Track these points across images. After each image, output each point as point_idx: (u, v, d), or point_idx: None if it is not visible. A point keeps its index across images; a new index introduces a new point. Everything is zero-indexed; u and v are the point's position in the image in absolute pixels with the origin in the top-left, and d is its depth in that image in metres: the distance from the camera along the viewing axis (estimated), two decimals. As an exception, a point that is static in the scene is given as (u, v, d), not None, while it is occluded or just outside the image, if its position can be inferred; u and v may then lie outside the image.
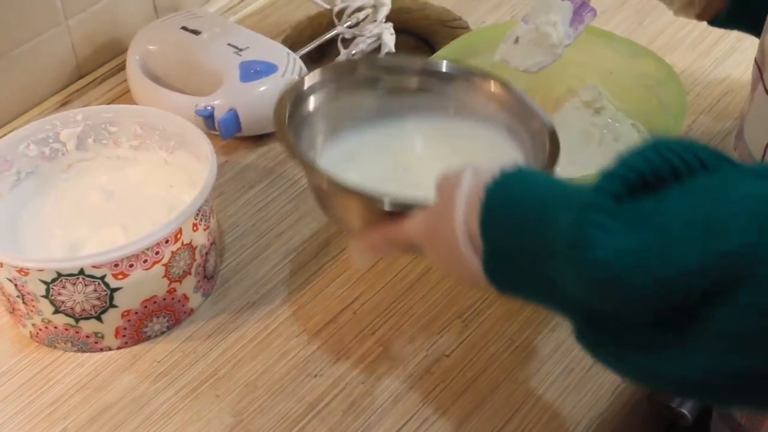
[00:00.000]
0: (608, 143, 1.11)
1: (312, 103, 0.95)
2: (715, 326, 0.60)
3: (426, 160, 0.95)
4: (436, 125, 0.98)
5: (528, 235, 0.68)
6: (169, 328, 1.00)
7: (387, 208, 0.82)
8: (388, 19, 1.30)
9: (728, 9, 1.01)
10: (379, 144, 0.96)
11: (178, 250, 0.96)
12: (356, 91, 0.97)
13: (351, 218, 0.88)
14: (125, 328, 0.98)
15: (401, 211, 0.81)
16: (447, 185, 0.76)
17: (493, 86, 0.97)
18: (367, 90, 0.97)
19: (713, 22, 1.03)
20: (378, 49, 1.28)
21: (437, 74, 0.98)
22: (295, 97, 0.92)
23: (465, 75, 0.98)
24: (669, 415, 1.05)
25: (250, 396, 0.94)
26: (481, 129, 0.97)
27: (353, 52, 1.28)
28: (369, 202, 0.83)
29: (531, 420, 0.90)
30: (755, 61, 0.91)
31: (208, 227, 1.00)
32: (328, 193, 0.88)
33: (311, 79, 0.94)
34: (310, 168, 0.87)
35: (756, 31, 0.95)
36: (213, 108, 1.16)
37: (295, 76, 1.18)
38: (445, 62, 0.99)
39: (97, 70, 1.33)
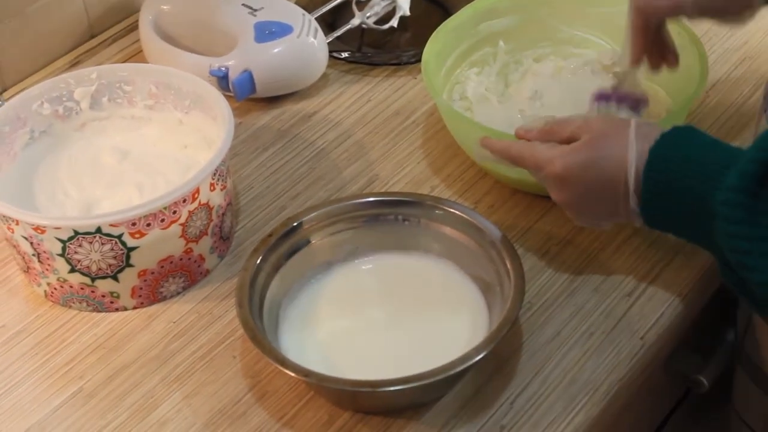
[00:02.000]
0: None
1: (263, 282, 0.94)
2: None
3: (382, 300, 0.96)
4: (386, 263, 0.98)
5: (688, 195, 0.81)
6: (185, 289, 1.00)
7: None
8: (403, -20, 1.29)
9: None
10: (333, 294, 0.97)
11: (195, 209, 0.96)
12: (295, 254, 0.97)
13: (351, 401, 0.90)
14: (141, 288, 0.97)
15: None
16: (611, 134, 0.87)
17: (438, 213, 0.97)
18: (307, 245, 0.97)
19: None
20: (393, 11, 1.27)
21: (378, 212, 0.98)
22: (249, 291, 0.92)
23: (406, 207, 0.98)
24: (685, 382, 1.05)
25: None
26: (432, 263, 0.97)
27: (368, 14, 1.27)
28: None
29: (551, 383, 0.89)
30: None
31: (224, 187, 0.99)
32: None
33: (254, 261, 0.93)
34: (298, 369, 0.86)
35: None
36: (227, 69, 1.15)
37: (311, 39, 1.17)
38: (382, 198, 0.99)
39: (109, 29, 1.31)
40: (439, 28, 1.12)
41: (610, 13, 1.11)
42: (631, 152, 0.85)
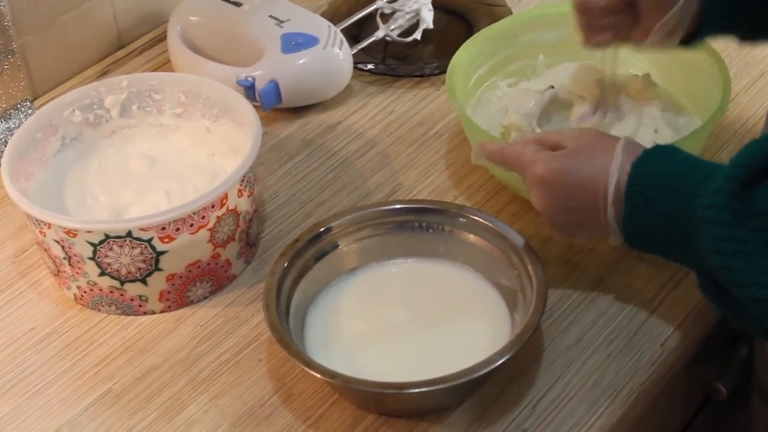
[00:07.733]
0: (664, 134, 1.09)
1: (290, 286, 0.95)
2: None
3: (406, 305, 0.98)
4: (411, 269, 1.00)
5: (669, 205, 0.82)
6: (211, 293, 1.01)
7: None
8: (426, -5, 1.31)
9: (705, 20, 0.96)
10: (358, 298, 0.98)
11: (223, 215, 0.97)
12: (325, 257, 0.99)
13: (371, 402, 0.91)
14: (169, 292, 0.99)
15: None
16: (597, 146, 0.88)
17: (462, 221, 0.99)
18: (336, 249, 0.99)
19: (692, 41, 0.99)
20: (416, 24, 1.29)
21: (404, 220, 1.00)
22: (276, 295, 0.93)
23: (430, 214, 1.00)
24: (705, 389, 1.06)
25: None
26: (455, 269, 0.99)
27: (392, 27, 1.28)
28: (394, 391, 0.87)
29: (573, 387, 0.90)
30: None
31: (252, 194, 1.01)
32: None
33: (281, 265, 0.95)
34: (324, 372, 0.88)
35: (739, 32, 0.97)
36: (254, 79, 1.17)
37: (336, 50, 1.19)
38: (408, 205, 1.01)
39: (138, 40, 1.34)
40: (477, 33, 1.14)
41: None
42: (615, 165, 0.86)
